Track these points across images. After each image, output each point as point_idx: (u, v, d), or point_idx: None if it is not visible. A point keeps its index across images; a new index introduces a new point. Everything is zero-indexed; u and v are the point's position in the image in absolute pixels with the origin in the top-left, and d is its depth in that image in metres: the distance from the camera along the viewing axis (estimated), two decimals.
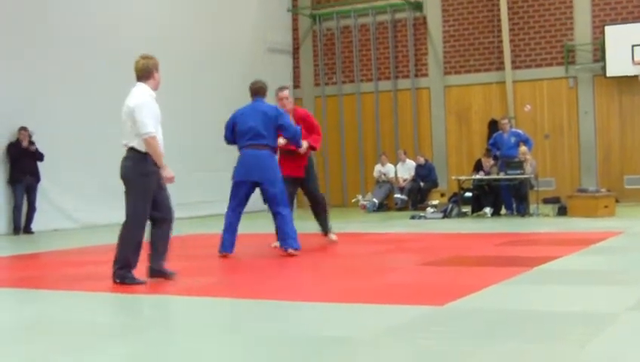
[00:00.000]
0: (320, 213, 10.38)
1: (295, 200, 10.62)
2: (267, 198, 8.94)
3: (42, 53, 14.82)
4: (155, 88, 6.96)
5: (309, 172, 10.11)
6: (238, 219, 9.07)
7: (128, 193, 6.89)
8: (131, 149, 6.77)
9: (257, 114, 9.01)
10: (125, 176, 6.86)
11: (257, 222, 12.59)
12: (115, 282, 6.77)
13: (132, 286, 6.66)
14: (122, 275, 6.79)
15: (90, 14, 15.89)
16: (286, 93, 10.03)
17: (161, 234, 7.07)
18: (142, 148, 6.74)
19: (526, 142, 15.33)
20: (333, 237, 10.34)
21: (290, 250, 8.77)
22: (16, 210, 14.08)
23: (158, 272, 6.94)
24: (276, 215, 8.91)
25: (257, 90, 9.33)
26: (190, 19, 18.42)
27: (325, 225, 10.39)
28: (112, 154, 15.88)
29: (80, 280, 7.36)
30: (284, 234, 8.85)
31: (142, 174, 6.77)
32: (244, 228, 9.59)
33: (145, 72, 6.90)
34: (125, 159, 6.86)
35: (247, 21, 20.36)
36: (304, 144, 9.53)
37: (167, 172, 7.01)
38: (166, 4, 18.01)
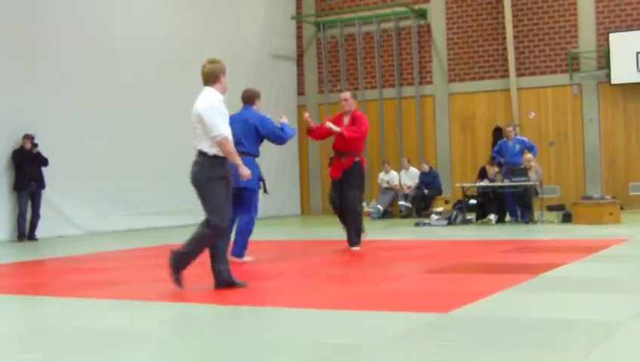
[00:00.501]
0: (349, 222, 10.28)
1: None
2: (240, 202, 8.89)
3: (45, 60, 14.86)
4: (222, 92, 6.89)
5: (348, 176, 10.14)
6: (232, 226, 8.96)
7: (201, 198, 6.75)
8: (200, 153, 6.68)
9: (240, 122, 9.19)
10: (195, 181, 6.74)
11: (260, 229, 12.57)
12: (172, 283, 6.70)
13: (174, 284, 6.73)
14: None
15: (92, 20, 15.94)
16: (345, 95, 10.47)
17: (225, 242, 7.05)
18: (211, 151, 6.65)
19: (531, 149, 15.31)
20: (354, 248, 10.17)
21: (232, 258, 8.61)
22: (20, 216, 14.10)
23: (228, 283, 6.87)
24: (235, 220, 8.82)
25: (247, 99, 9.64)
26: (195, 25, 18.46)
27: (349, 236, 10.26)
28: (116, 161, 16.10)
29: (84, 287, 7.36)
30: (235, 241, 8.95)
31: (210, 178, 6.66)
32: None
33: (211, 77, 6.84)
34: (195, 163, 6.76)
35: (252, 28, 20.40)
36: (334, 128, 10.06)
37: (243, 170, 6.96)
38: (171, 10, 18.04)
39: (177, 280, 6.72)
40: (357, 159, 10.19)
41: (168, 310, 5.98)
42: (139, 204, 16.56)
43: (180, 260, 6.73)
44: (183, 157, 17.78)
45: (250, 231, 9.16)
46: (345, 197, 10.17)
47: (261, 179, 9.23)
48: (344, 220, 10.39)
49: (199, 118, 6.65)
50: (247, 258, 9.14)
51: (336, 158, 10.31)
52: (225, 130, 6.65)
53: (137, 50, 16.84)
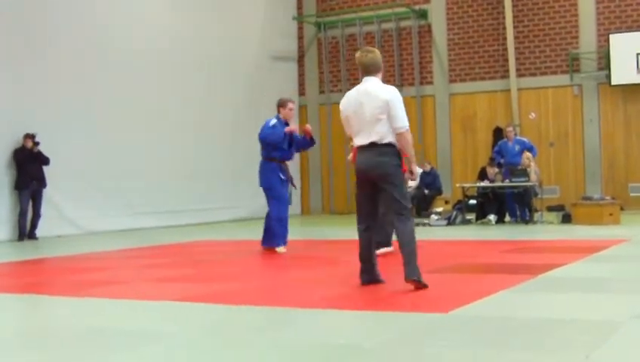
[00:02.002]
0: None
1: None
2: None
3: (46, 60, 14.89)
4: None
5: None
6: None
7: (392, 188, 6.46)
8: (387, 145, 6.45)
9: None
10: (385, 170, 6.45)
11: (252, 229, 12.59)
12: (418, 283, 6.35)
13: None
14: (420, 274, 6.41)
15: (93, 20, 15.96)
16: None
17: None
18: (390, 140, 6.48)
19: (530, 150, 15.33)
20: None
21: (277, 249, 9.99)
22: (21, 216, 14.11)
23: (375, 279, 6.74)
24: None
25: (277, 106, 10.54)
26: (196, 26, 18.48)
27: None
28: (117, 160, 16.11)
29: (84, 286, 7.37)
30: (270, 233, 10.18)
31: (398, 166, 6.51)
32: (248, 235, 9.59)
33: (376, 66, 6.62)
34: (380, 154, 6.47)
35: (253, 29, 20.42)
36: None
37: (415, 167, 6.81)
38: (171, 11, 18.05)
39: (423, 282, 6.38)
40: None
41: (168, 309, 5.98)
42: (139, 204, 16.57)
43: (415, 268, 6.36)
44: (183, 157, 17.94)
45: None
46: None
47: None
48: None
49: (385, 108, 6.45)
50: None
51: None
52: (407, 122, 6.55)
53: (138, 51, 16.85)
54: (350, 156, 8.53)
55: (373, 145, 6.49)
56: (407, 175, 6.91)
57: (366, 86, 6.60)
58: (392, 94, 6.51)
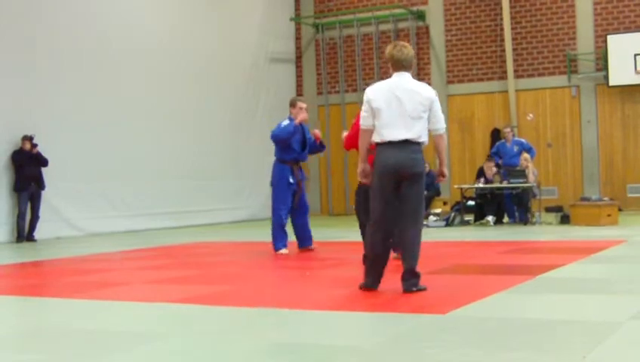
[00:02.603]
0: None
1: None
2: None
3: (45, 61, 14.88)
4: None
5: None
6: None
7: (420, 188, 6.31)
8: (417, 143, 6.27)
9: None
10: (417, 171, 6.25)
11: (252, 231, 12.60)
12: (410, 291, 6.20)
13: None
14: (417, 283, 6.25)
15: (91, 20, 15.96)
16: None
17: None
18: (424, 140, 6.31)
19: (529, 150, 15.36)
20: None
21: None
22: (20, 217, 14.11)
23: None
24: None
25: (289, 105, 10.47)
26: (194, 27, 18.49)
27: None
28: (116, 162, 16.11)
29: (83, 288, 7.37)
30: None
31: (424, 167, 6.38)
32: (249, 236, 9.59)
33: (410, 62, 6.39)
34: (412, 152, 6.25)
35: (251, 30, 20.43)
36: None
37: (445, 171, 6.65)
38: (169, 11, 18.07)
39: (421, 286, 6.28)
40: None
41: (167, 311, 5.99)
42: (138, 206, 16.57)
43: (416, 273, 6.25)
44: (183, 158, 17.93)
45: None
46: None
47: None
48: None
49: (427, 106, 6.29)
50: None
51: None
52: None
53: (136, 51, 16.85)
54: (344, 136, 8.35)
55: (407, 142, 6.24)
56: (439, 177, 6.73)
57: (401, 81, 6.33)
58: (434, 93, 6.39)
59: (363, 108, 6.38)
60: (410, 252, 6.25)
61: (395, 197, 6.28)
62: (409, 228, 6.27)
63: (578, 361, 3.97)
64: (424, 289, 6.29)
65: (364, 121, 6.36)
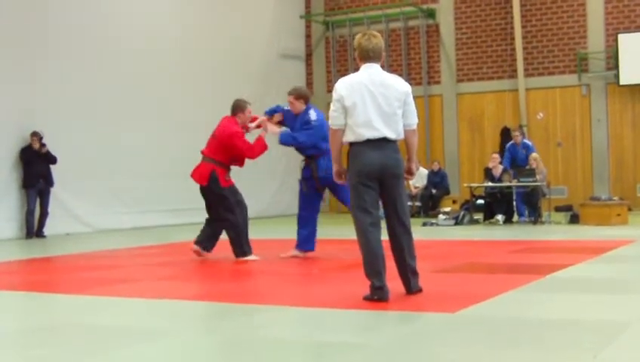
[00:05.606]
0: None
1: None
2: None
3: (53, 59, 14.90)
4: None
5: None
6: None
7: (402, 188, 6.02)
8: (394, 141, 5.90)
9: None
10: (398, 171, 5.93)
11: (266, 228, 12.59)
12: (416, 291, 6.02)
13: None
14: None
15: (99, 19, 15.97)
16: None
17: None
18: (401, 137, 5.96)
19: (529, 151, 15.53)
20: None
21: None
22: (29, 214, 14.15)
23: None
24: None
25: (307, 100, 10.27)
26: (204, 25, 18.49)
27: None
28: (124, 158, 16.13)
29: (93, 284, 7.39)
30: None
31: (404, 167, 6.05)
32: (254, 234, 9.60)
33: (380, 52, 6.01)
34: (394, 151, 5.89)
35: (261, 27, 20.43)
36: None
37: (415, 167, 6.24)
38: (178, 10, 18.07)
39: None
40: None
41: (176, 307, 6.00)
42: (147, 202, 16.59)
43: (417, 272, 6.04)
44: (189, 155, 17.86)
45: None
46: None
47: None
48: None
49: (404, 101, 5.95)
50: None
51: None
52: None
53: (144, 49, 16.86)
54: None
55: (386, 140, 5.85)
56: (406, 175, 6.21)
57: (372, 74, 5.93)
58: (408, 86, 6.08)
59: (332, 106, 5.94)
60: (409, 252, 6.03)
61: (377, 199, 5.95)
62: (401, 229, 6.01)
63: (589, 360, 3.96)
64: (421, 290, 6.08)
65: (336, 121, 5.91)
